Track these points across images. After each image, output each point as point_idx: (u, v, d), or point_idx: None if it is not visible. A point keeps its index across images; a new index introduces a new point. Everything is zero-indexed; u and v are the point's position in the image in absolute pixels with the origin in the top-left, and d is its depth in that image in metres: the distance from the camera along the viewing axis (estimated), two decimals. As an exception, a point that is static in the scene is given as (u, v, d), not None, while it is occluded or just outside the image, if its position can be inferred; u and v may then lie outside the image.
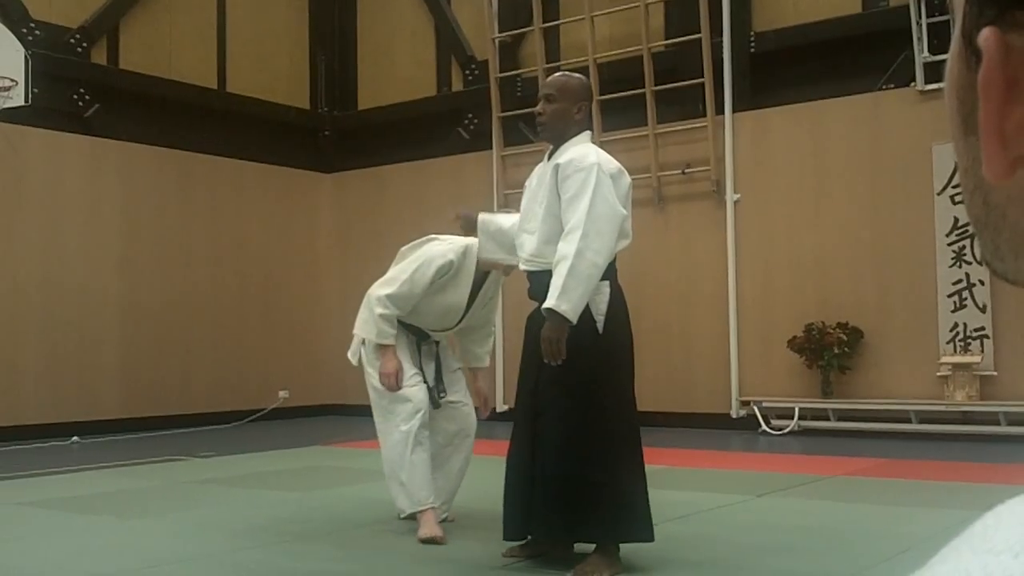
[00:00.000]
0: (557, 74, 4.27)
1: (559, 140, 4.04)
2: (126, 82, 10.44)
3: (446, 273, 4.60)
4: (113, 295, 10.09)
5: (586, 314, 3.81)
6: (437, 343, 4.88)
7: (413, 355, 4.72)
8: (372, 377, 4.67)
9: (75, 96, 10.05)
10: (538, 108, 4.07)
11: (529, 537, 3.99)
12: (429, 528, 4.41)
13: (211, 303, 10.88)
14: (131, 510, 5.42)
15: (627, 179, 4.02)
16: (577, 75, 4.27)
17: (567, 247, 3.75)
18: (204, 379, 10.72)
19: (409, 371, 4.64)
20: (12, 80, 8.97)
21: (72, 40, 10.09)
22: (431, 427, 4.67)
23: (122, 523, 5.05)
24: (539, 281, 3.95)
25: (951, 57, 0.42)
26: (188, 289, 10.67)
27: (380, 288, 4.64)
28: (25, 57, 9.16)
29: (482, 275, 4.70)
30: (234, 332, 11.08)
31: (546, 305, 3.71)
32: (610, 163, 3.96)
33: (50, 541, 4.63)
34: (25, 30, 9.46)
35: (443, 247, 4.64)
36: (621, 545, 3.86)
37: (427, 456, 4.56)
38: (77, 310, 9.78)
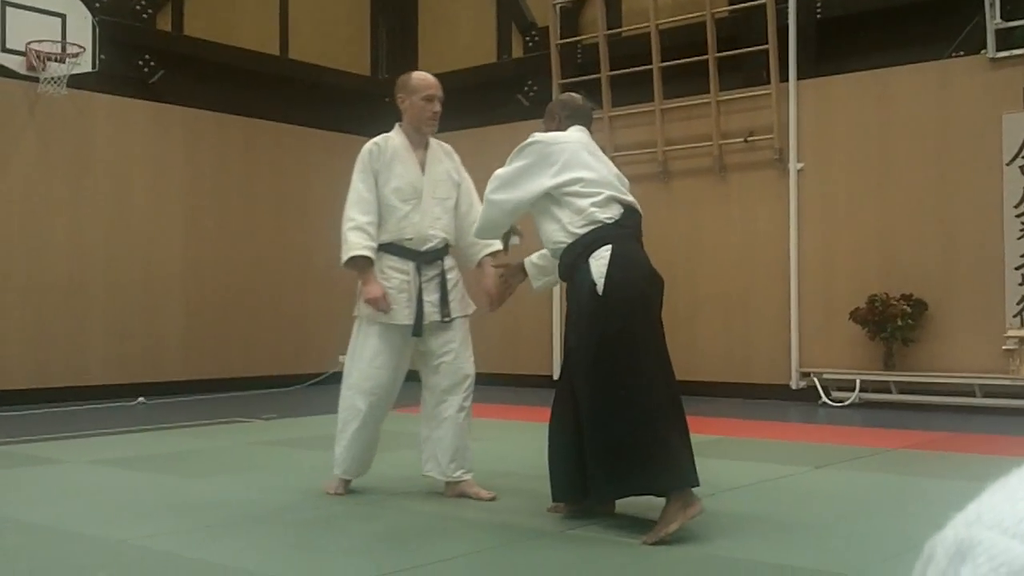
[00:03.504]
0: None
1: None
2: (190, 48, 10.56)
3: (378, 157, 4.74)
4: (178, 259, 10.26)
5: (587, 281, 3.97)
6: (442, 272, 4.73)
7: (387, 345, 4.69)
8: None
9: (140, 62, 10.18)
10: None
11: (573, 497, 4.15)
12: (331, 485, 4.76)
13: (274, 268, 11.01)
14: (195, 470, 5.54)
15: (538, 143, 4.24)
16: (563, 97, 4.64)
17: None
18: (266, 343, 10.87)
19: (377, 358, 4.70)
20: (80, 47, 9.12)
21: (137, 7, 10.21)
22: (428, 386, 4.77)
23: (186, 482, 5.15)
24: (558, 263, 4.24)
25: None
26: (251, 254, 10.81)
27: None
28: (92, 24, 9.30)
29: (422, 149, 4.82)
30: (296, 297, 11.22)
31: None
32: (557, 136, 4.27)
33: (116, 498, 4.75)
34: (93, -3, 9.59)
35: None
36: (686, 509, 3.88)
37: (368, 436, 4.74)
38: (143, 274, 9.97)
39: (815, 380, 9.08)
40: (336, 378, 11.27)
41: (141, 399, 9.31)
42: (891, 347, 8.70)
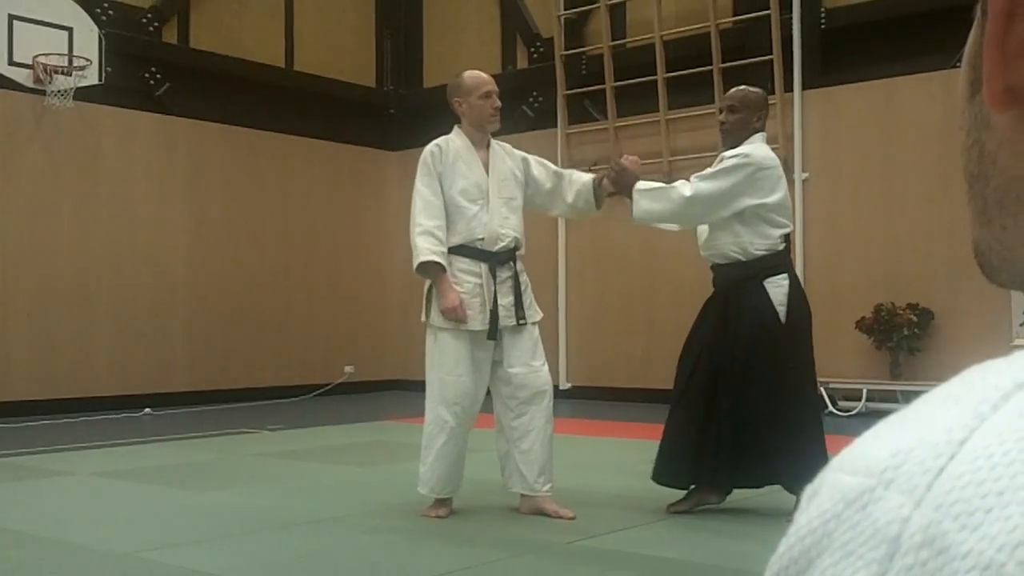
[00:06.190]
0: (737, 88, 4.70)
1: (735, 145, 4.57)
2: (196, 61, 10.59)
3: (440, 159, 4.57)
4: (183, 270, 10.28)
5: (768, 306, 4.30)
6: (516, 275, 4.58)
7: (465, 352, 4.47)
8: (429, 345, 4.58)
9: (146, 75, 10.21)
10: (721, 117, 4.58)
11: (691, 487, 4.44)
12: (432, 509, 4.49)
13: (279, 279, 11.03)
14: (201, 481, 5.54)
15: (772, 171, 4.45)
16: (755, 89, 4.73)
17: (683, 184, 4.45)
18: (272, 354, 10.88)
19: (458, 366, 4.44)
20: (86, 59, 9.16)
21: (144, 19, 10.24)
22: (501, 397, 4.55)
23: (192, 494, 5.15)
24: (716, 272, 4.61)
25: (971, 32, 0.45)
26: (256, 265, 10.83)
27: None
28: (99, 37, 9.35)
29: (484, 149, 4.68)
30: (301, 308, 11.23)
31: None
32: (766, 157, 4.44)
33: (121, 510, 4.75)
34: (99, 10, 9.63)
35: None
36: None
37: (455, 451, 4.47)
38: (148, 285, 9.99)
39: (821, 389, 9.05)
40: (341, 389, 11.40)
41: (147, 410, 9.31)
42: (898, 356, 8.69)
